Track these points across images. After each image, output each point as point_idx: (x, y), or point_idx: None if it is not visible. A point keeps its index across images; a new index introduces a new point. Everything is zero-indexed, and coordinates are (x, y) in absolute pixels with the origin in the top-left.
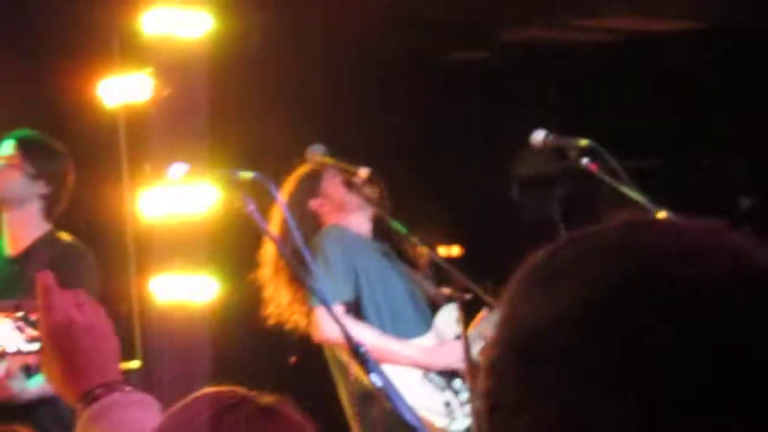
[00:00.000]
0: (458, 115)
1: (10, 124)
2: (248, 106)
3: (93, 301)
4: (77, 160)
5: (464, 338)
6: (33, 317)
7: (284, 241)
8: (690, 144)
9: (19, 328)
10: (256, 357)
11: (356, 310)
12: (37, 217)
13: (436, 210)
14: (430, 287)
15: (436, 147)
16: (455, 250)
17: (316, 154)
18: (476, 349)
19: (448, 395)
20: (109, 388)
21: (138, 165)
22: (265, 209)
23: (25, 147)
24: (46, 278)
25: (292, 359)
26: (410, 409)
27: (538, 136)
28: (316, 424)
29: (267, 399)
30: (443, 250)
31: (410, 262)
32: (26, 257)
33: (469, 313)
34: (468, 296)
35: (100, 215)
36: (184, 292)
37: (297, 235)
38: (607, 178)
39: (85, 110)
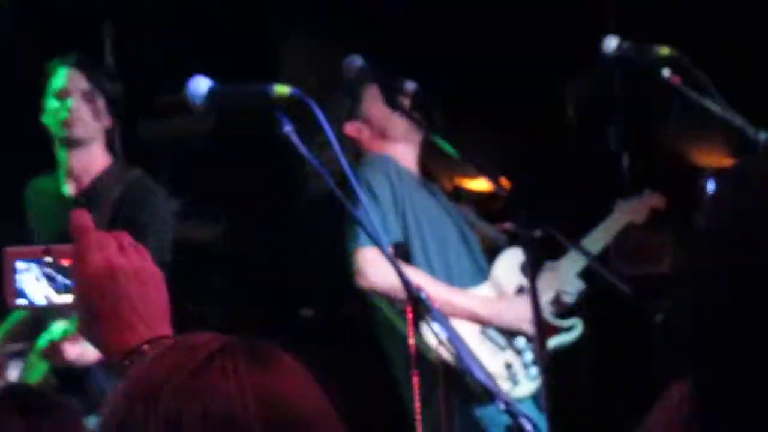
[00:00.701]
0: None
1: None
2: None
3: (139, 245)
4: None
5: (532, 287)
6: (65, 263)
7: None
8: None
9: (49, 276)
10: (258, 308)
11: (404, 254)
12: (103, 152)
13: (478, 136)
14: (488, 228)
15: (476, 58)
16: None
17: (354, 66)
18: (544, 300)
19: (509, 355)
20: (159, 344)
21: None
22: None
23: (92, 76)
24: (81, 217)
25: (307, 312)
26: (483, 369)
27: (611, 43)
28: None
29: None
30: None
31: (462, 200)
32: (90, 194)
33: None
34: (538, 234)
35: None
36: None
37: (345, 163)
38: (693, 95)
39: None
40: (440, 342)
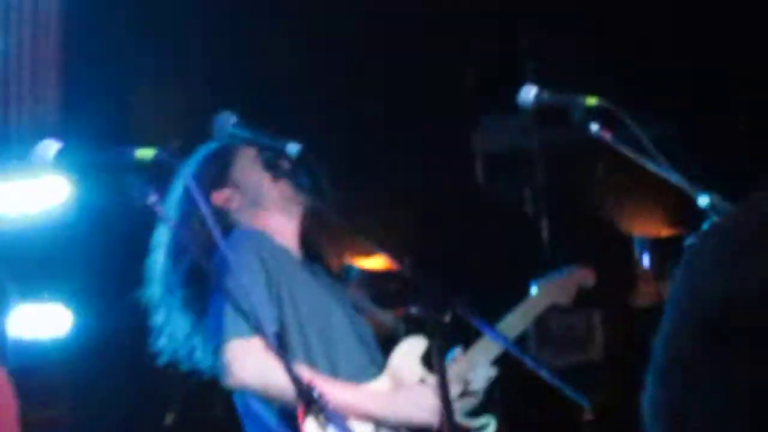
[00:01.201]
0: (398, 65)
1: None
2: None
3: None
4: None
5: (442, 379)
6: None
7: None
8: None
9: None
10: (135, 411)
11: (283, 345)
12: None
13: (373, 205)
14: (382, 314)
15: (372, 107)
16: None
17: (226, 124)
18: (454, 392)
19: None
20: None
21: None
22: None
23: None
24: None
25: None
26: None
27: (529, 93)
28: None
29: None
30: (377, 261)
31: (353, 282)
32: None
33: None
34: (448, 318)
35: None
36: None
37: (216, 233)
38: (627, 150)
39: None
40: None
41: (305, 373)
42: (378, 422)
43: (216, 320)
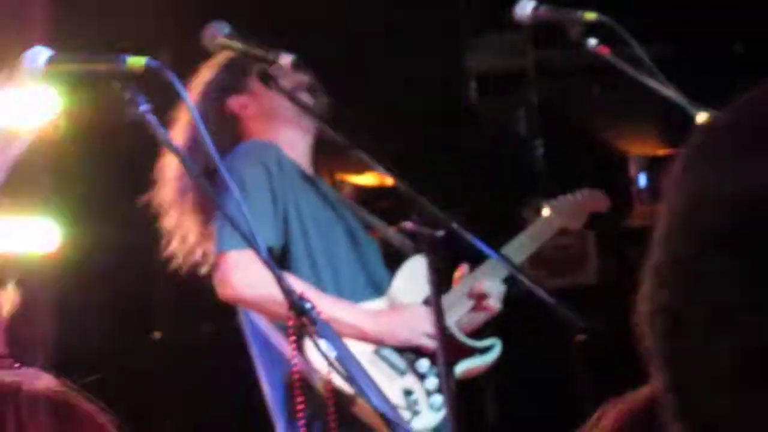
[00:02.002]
0: None
1: None
2: None
3: None
4: None
5: (435, 299)
6: None
7: (192, 154)
8: None
9: None
10: (122, 327)
11: (281, 260)
12: None
13: (365, 119)
14: (391, 232)
15: (362, 29)
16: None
17: (218, 34)
18: (453, 317)
19: (409, 380)
20: None
21: None
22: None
23: None
24: None
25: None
26: (382, 395)
27: (525, 7)
28: None
29: (47, 386)
30: (371, 178)
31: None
32: None
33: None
34: (440, 234)
35: None
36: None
37: (210, 146)
38: (626, 67)
39: None
40: (329, 362)
41: (297, 285)
42: (375, 342)
43: (216, 228)
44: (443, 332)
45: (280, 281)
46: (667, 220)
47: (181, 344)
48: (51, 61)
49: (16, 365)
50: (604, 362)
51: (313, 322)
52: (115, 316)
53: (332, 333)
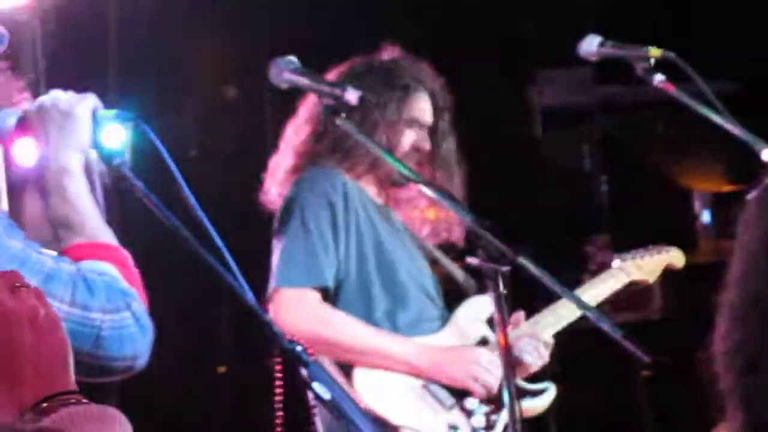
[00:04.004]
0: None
1: None
2: None
3: (33, 286)
4: None
5: (502, 333)
6: None
7: None
8: None
9: None
10: (180, 363)
11: (335, 294)
12: None
13: None
14: (453, 268)
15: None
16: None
17: (284, 71)
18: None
19: (455, 416)
20: (58, 401)
21: None
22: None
23: None
24: None
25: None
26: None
27: (591, 43)
28: None
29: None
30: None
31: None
32: None
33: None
34: (506, 269)
35: None
36: None
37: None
38: (690, 103)
39: None
40: (323, 405)
41: (345, 320)
42: (426, 378)
43: (273, 264)
44: (512, 368)
45: (269, 327)
46: (742, 260)
47: (244, 378)
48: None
49: (84, 401)
50: (669, 398)
51: (305, 364)
52: (180, 350)
53: (325, 374)
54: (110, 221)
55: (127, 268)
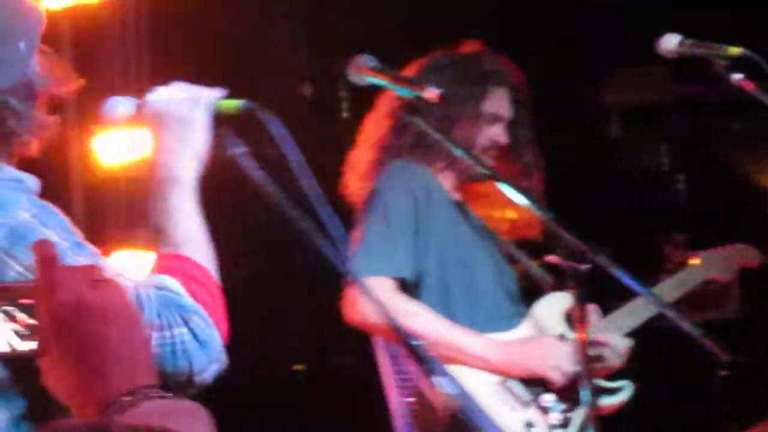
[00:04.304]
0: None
1: None
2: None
3: (113, 279)
4: None
5: (580, 331)
6: (25, 302)
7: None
8: None
9: (8, 316)
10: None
11: (414, 289)
12: None
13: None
14: (531, 266)
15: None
16: None
17: (364, 69)
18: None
19: (532, 413)
20: (140, 394)
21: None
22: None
23: None
24: (45, 247)
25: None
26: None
27: (671, 41)
28: None
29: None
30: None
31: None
32: None
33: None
34: (585, 267)
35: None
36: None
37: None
38: None
39: None
40: (449, 398)
41: (426, 315)
42: (502, 373)
43: (352, 254)
44: (589, 365)
45: (388, 317)
46: None
47: (322, 376)
48: (141, 107)
49: (168, 395)
50: (747, 397)
51: (424, 359)
52: (257, 348)
53: (443, 369)
54: None
55: (197, 281)
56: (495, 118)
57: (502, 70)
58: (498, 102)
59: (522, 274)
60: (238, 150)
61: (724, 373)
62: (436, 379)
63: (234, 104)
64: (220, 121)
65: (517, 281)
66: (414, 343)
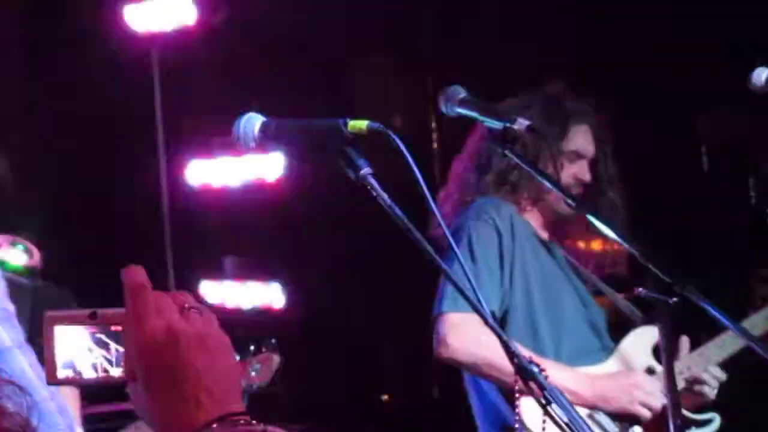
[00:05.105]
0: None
1: None
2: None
3: (203, 306)
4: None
5: (667, 366)
6: (115, 329)
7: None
8: None
9: (101, 344)
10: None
11: (501, 324)
12: None
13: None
14: (618, 299)
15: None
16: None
17: (453, 100)
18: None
19: None
20: (230, 422)
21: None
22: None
23: None
24: (136, 275)
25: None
26: None
27: (762, 74)
28: None
29: None
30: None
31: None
32: None
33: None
34: (674, 300)
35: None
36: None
37: (435, 209)
38: None
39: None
40: (562, 428)
41: (523, 351)
42: (591, 407)
43: (439, 289)
44: (677, 400)
45: (506, 346)
46: None
47: (408, 406)
48: (267, 127)
49: (255, 423)
50: None
51: (542, 387)
52: (344, 377)
53: (562, 397)
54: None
55: None
56: (577, 155)
57: (585, 108)
58: (580, 139)
59: (610, 308)
60: (366, 170)
61: None
62: (554, 408)
63: (362, 124)
64: (349, 141)
65: (606, 316)
66: (532, 369)
